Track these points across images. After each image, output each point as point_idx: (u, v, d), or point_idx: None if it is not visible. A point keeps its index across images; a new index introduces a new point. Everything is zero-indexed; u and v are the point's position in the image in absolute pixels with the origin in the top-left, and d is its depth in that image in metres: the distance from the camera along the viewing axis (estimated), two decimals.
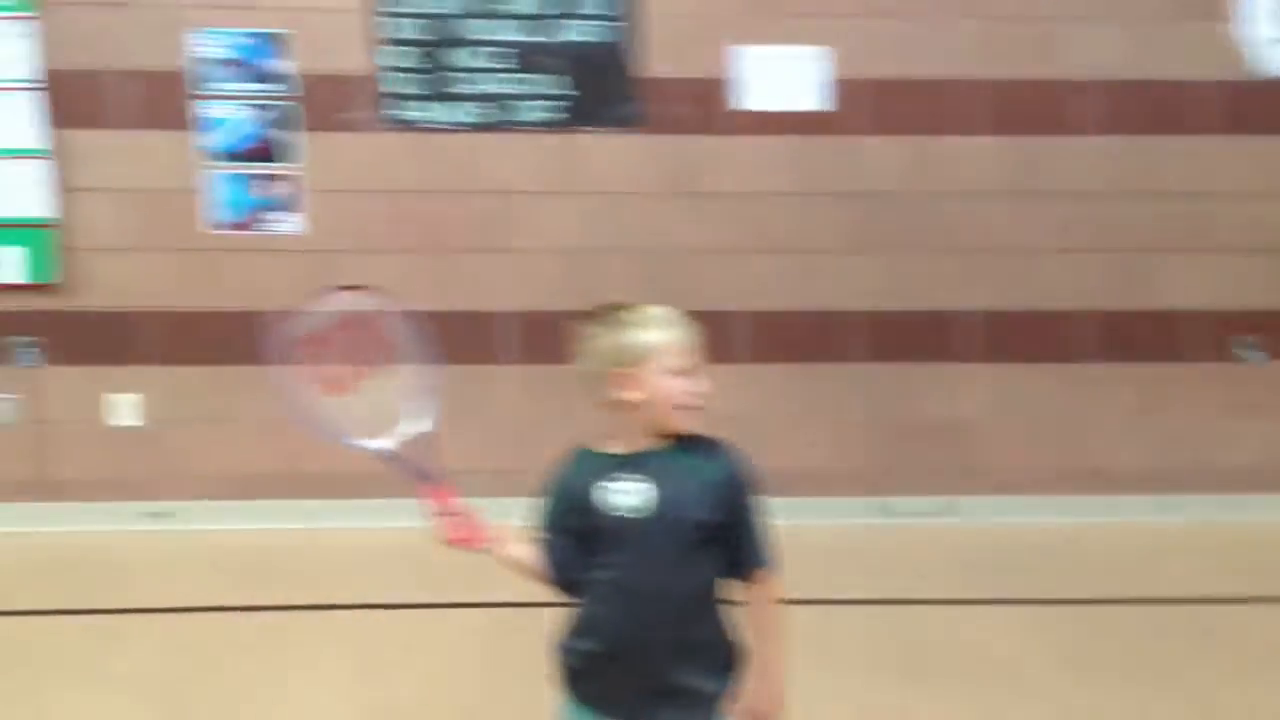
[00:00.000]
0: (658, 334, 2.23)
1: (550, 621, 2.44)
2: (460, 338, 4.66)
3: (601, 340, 2.25)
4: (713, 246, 4.77)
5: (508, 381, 4.78)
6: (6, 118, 4.49)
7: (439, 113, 4.56)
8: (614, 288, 4.58)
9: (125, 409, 4.83)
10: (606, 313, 2.27)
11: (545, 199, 4.70)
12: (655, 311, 2.26)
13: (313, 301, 2.68)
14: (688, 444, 2.28)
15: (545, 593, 2.43)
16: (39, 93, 4.50)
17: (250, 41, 4.51)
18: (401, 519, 4.49)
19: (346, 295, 2.67)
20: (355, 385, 2.64)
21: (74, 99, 4.54)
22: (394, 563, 4.51)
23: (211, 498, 4.91)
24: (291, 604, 4.26)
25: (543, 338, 4.78)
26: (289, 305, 4.44)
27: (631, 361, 2.21)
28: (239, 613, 4.21)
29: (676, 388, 2.22)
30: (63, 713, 3.58)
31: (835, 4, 4.60)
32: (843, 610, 4.02)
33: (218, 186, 4.63)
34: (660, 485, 2.23)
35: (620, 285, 4.60)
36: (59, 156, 4.57)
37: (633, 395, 2.22)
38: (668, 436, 2.27)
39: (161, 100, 4.56)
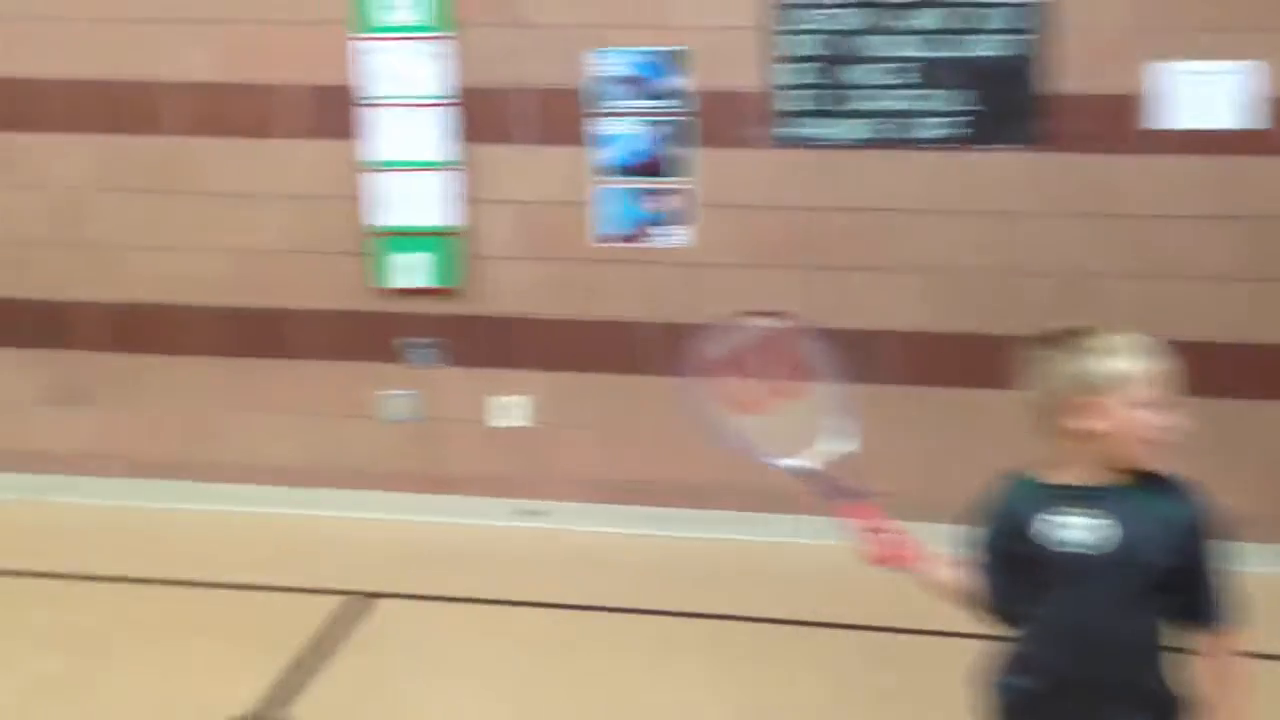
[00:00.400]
0: (1128, 362, 2.12)
1: (974, 654, 2.37)
2: (843, 356, 4.60)
3: (1061, 366, 2.15)
4: (1114, 270, 4.50)
5: (888, 402, 4.69)
6: (423, 132, 4.78)
7: (834, 129, 4.53)
8: (1006, 310, 4.45)
9: (510, 410, 5.05)
10: (1066, 337, 2.18)
11: (938, 217, 4.57)
12: (1124, 338, 2.16)
13: (729, 322, 2.73)
14: (1148, 481, 2.16)
15: (955, 619, 2.36)
16: (453, 108, 4.77)
17: (648, 59, 4.63)
18: (770, 534, 4.57)
19: (762, 319, 2.71)
20: (771, 405, 2.68)
21: (482, 114, 4.77)
22: (761, 574, 4.53)
23: (583, 500, 5.05)
24: (653, 608, 4.33)
25: (926, 359, 4.68)
26: (673, 318, 4.58)
27: (1097, 390, 2.11)
28: (601, 612, 4.31)
29: (1144, 420, 2.11)
30: (422, 698, 3.77)
31: (1267, 18, 4.26)
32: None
33: (609, 200, 4.77)
34: (1121, 523, 2.13)
35: (1013, 307, 4.44)
36: (467, 169, 4.82)
37: (1094, 425, 2.11)
38: (1125, 471, 2.16)
39: (561, 116, 4.73)
